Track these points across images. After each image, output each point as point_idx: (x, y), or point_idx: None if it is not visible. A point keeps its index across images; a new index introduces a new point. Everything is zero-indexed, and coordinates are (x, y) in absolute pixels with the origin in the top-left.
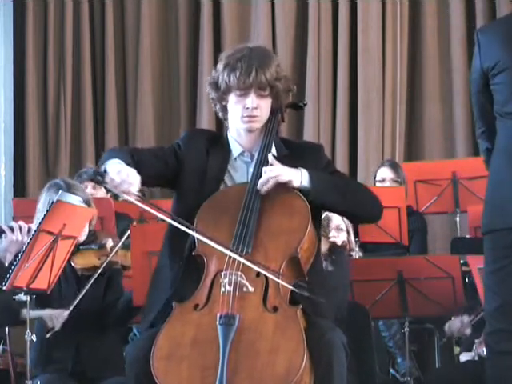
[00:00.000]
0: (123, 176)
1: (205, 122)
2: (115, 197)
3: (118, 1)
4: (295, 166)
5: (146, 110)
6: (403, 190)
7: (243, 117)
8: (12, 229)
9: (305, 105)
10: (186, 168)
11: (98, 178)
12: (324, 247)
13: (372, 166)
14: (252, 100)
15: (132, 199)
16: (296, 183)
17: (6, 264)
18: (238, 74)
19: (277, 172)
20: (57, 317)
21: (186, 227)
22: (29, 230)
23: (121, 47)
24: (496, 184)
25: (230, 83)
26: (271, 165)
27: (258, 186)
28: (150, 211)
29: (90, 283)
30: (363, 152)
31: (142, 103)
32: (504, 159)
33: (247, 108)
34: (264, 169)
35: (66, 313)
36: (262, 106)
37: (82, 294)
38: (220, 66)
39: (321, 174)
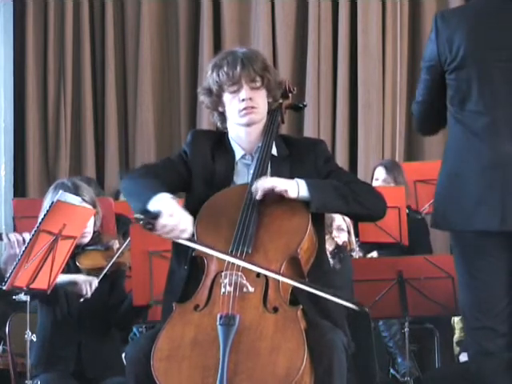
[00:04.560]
0: (176, 221)
1: (205, 122)
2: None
3: (118, 1)
4: (295, 167)
5: (146, 110)
6: (403, 190)
7: (240, 111)
8: (11, 241)
9: (305, 106)
10: (195, 175)
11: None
12: (330, 246)
13: (372, 166)
14: (246, 91)
15: (186, 242)
16: (292, 194)
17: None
18: (225, 68)
19: (272, 182)
20: (90, 283)
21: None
22: (24, 241)
23: (121, 47)
24: (452, 181)
25: (220, 80)
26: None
27: (253, 189)
28: (206, 251)
29: (101, 275)
30: (363, 152)
31: (142, 103)
32: (460, 155)
33: (243, 100)
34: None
35: (96, 281)
36: (256, 97)
37: (105, 270)
38: (208, 71)
39: (319, 182)
